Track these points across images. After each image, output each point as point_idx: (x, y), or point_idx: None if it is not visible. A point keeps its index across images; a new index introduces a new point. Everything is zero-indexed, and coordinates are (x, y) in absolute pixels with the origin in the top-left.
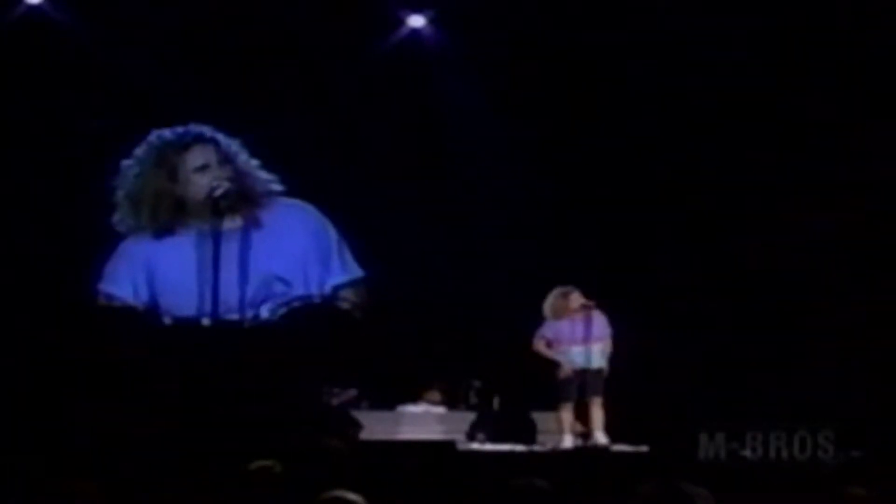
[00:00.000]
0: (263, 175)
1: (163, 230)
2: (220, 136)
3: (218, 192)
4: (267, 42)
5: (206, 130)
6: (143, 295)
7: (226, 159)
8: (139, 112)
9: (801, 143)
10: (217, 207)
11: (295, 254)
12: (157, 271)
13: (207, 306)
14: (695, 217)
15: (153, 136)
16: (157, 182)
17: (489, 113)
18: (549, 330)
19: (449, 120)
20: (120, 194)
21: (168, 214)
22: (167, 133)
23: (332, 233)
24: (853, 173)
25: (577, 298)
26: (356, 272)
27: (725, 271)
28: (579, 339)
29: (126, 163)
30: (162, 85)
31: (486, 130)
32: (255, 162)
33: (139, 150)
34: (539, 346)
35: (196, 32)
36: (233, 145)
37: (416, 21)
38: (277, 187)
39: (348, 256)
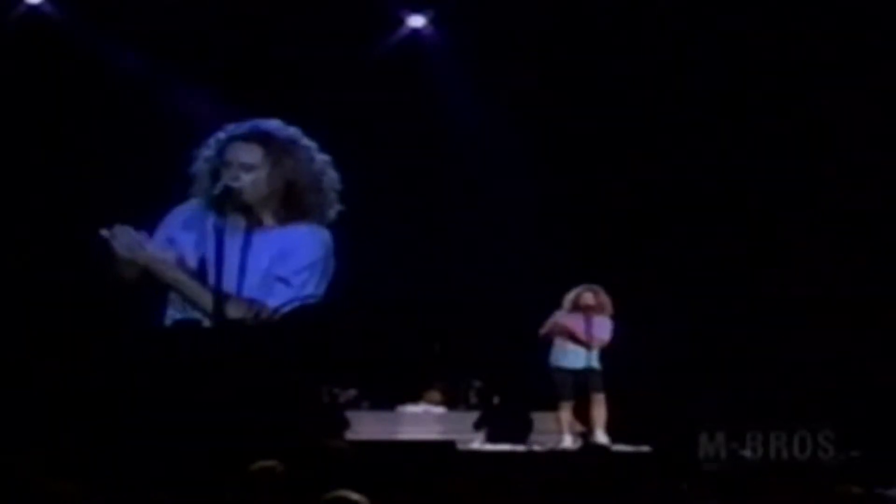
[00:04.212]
0: (327, 207)
1: (209, 204)
2: (304, 144)
3: (217, 190)
4: (266, 42)
5: (270, 129)
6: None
7: (278, 163)
8: (138, 111)
9: (807, 144)
10: (220, 205)
11: (297, 258)
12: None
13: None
14: (696, 217)
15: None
16: (209, 164)
17: (489, 113)
18: (552, 319)
19: (449, 120)
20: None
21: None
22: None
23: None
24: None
25: (588, 297)
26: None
27: (727, 271)
28: (578, 336)
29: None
30: (161, 85)
31: (485, 130)
32: (330, 185)
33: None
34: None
35: (195, 33)
36: (302, 159)
37: (416, 21)
38: (329, 215)
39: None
